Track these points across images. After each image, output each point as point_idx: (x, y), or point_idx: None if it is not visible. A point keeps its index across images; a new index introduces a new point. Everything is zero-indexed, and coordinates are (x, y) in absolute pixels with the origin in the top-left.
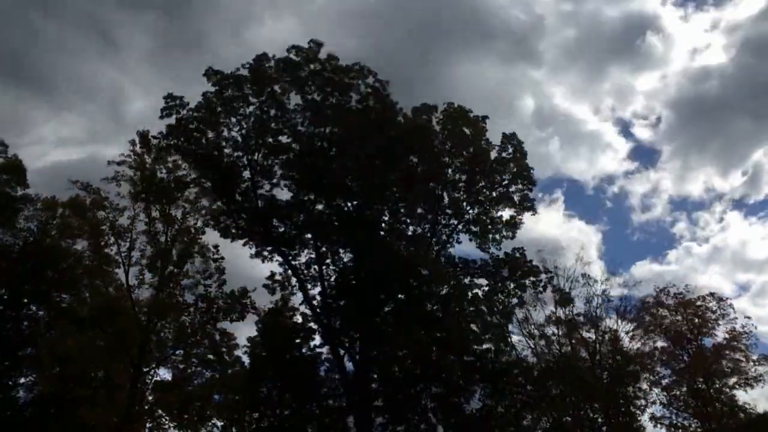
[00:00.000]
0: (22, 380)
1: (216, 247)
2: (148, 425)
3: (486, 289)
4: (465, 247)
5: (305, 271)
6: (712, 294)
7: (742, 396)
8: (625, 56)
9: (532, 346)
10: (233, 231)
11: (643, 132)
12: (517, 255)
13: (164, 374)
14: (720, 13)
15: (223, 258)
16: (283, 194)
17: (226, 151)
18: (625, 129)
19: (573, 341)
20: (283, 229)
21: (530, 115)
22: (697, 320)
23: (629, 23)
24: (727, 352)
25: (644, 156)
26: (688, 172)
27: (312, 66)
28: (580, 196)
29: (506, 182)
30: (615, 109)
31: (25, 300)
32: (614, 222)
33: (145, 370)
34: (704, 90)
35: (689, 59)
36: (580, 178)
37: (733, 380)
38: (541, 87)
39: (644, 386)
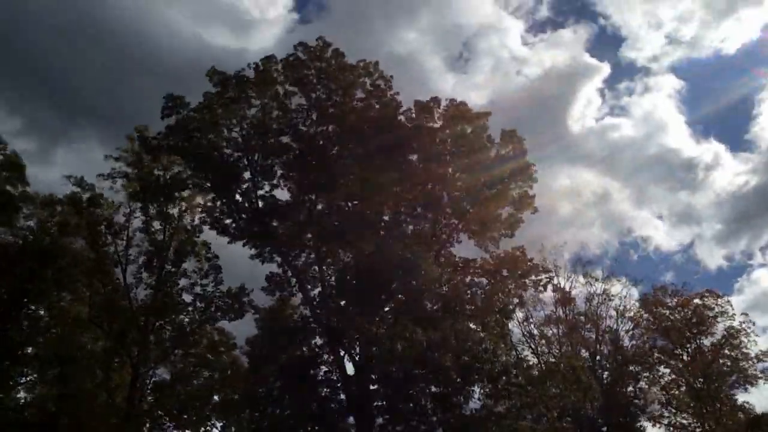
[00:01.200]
0: (22, 380)
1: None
2: (147, 425)
3: (486, 288)
4: (465, 245)
5: (305, 272)
6: (710, 291)
7: (741, 395)
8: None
9: (532, 346)
10: (233, 231)
11: (684, 231)
12: (518, 253)
13: (163, 374)
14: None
15: (217, 257)
16: (283, 195)
17: (227, 151)
18: (671, 228)
19: (573, 341)
20: (283, 229)
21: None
22: (695, 319)
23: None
24: (726, 350)
25: (685, 248)
26: (718, 255)
27: (318, 64)
28: (626, 265)
29: (506, 179)
30: (663, 213)
31: (25, 299)
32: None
33: (143, 370)
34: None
35: (721, 185)
36: (632, 258)
37: (732, 379)
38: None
39: (644, 386)
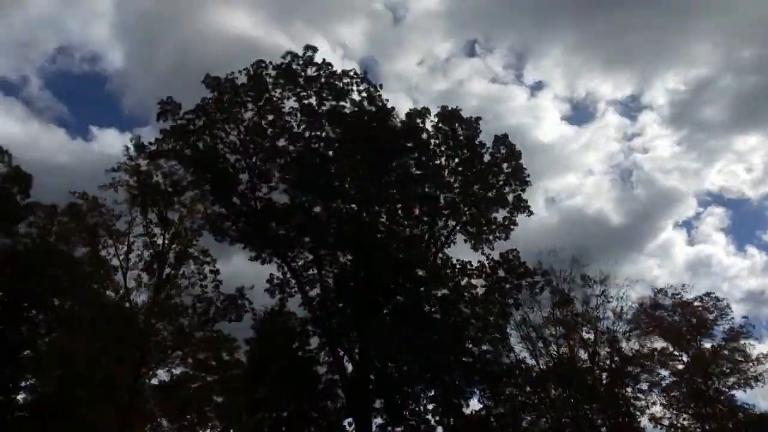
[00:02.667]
0: (22, 383)
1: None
2: (147, 427)
3: (483, 289)
4: (459, 248)
5: (304, 274)
6: (708, 294)
7: (741, 396)
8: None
9: (531, 348)
10: (231, 234)
11: None
12: (511, 257)
13: (163, 376)
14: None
15: (215, 260)
16: (281, 197)
17: (224, 154)
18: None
19: (571, 342)
20: (281, 232)
21: None
22: (695, 321)
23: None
24: (726, 352)
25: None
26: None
27: (308, 71)
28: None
29: (501, 183)
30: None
31: (25, 304)
32: None
33: (144, 371)
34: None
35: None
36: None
37: (732, 380)
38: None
39: (644, 387)
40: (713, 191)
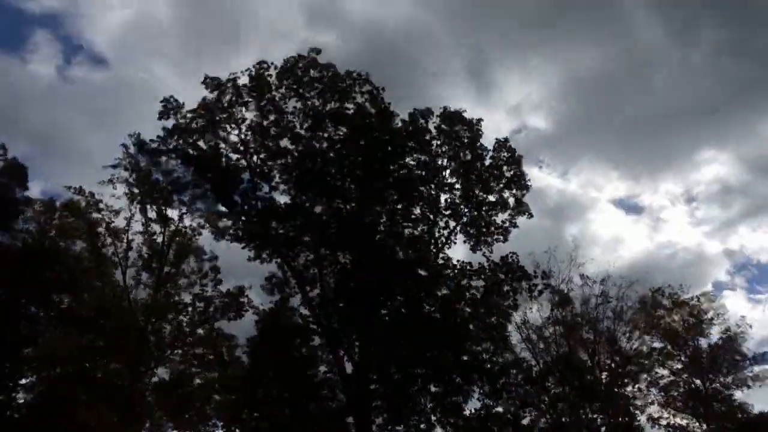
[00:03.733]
0: (22, 381)
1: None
2: (147, 425)
3: (482, 290)
4: (458, 249)
5: (304, 273)
6: (704, 294)
7: (738, 395)
8: None
9: (530, 348)
10: (231, 233)
11: None
12: (510, 260)
13: (163, 374)
14: None
15: (216, 257)
16: (282, 197)
17: (226, 153)
18: None
19: (572, 342)
20: (281, 231)
21: None
22: (692, 320)
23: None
24: (723, 351)
25: None
26: None
27: (312, 72)
28: None
29: (501, 187)
30: None
31: (24, 301)
32: None
33: (143, 370)
34: None
35: None
36: None
37: (729, 380)
38: None
39: (642, 387)
40: (733, 257)
